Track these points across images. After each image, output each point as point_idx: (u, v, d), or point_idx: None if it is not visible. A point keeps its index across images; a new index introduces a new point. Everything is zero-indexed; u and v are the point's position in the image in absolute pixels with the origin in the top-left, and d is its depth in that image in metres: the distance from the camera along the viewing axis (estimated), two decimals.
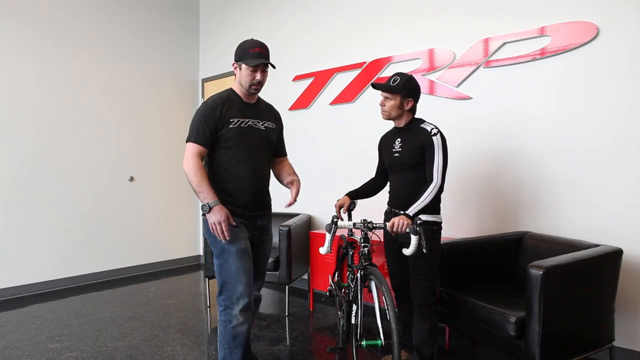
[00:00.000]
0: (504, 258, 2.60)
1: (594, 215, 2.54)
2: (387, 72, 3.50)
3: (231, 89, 2.12)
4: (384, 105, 2.23)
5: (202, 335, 2.98)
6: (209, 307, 3.59)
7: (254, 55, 1.99)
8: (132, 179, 4.68)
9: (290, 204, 2.12)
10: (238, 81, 2.07)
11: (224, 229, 1.90)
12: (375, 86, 2.28)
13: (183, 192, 5.17)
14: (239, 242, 1.98)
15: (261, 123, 2.11)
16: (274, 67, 2.10)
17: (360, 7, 3.71)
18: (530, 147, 2.78)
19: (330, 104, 3.93)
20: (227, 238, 1.92)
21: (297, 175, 2.24)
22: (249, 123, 2.06)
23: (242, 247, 1.98)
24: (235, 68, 2.07)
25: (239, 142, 2.02)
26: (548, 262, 1.93)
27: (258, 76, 2.02)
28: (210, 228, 1.93)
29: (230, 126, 2.01)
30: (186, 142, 2.01)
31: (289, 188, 2.21)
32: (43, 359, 2.60)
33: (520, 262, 2.54)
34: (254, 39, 2.08)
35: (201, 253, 5.33)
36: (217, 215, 1.90)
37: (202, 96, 5.31)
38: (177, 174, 5.13)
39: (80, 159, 4.27)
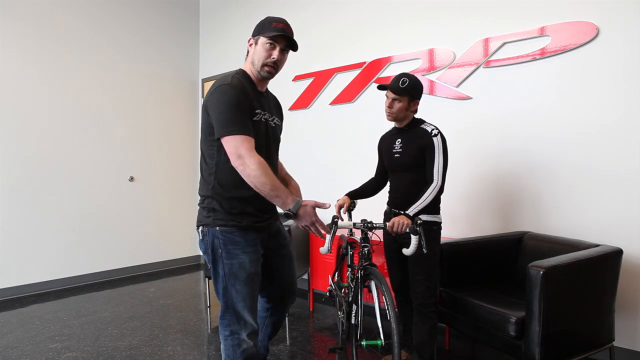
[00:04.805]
0: (504, 258, 2.60)
1: (594, 215, 2.54)
2: (387, 72, 3.51)
3: (242, 70, 1.76)
4: (392, 107, 2.19)
5: (202, 335, 2.98)
6: (209, 307, 3.58)
7: (277, 28, 1.67)
8: (132, 179, 4.68)
9: None
10: (250, 60, 1.74)
11: (319, 228, 1.62)
12: (383, 87, 2.19)
13: (183, 192, 5.18)
14: (251, 266, 1.70)
15: (271, 119, 1.80)
16: (295, 48, 1.74)
17: (360, 7, 3.70)
18: (530, 148, 2.78)
19: (330, 104, 3.93)
20: (325, 233, 1.68)
21: (298, 190, 1.99)
22: (265, 117, 1.75)
23: (252, 271, 1.70)
24: (251, 45, 1.74)
25: (258, 141, 1.67)
26: (548, 262, 1.93)
27: (275, 54, 1.68)
28: (303, 228, 1.66)
29: (255, 118, 1.67)
30: (226, 135, 1.57)
31: None
32: (43, 359, 2.60)
33: (520, 262, 2.54)
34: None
35: (201, 253, 5.32)
36: (307, 218, 1.60)
37: (202, 96, 5.31)
38: (177, 174, 5.13)
39: (80, 159, 4.27)
